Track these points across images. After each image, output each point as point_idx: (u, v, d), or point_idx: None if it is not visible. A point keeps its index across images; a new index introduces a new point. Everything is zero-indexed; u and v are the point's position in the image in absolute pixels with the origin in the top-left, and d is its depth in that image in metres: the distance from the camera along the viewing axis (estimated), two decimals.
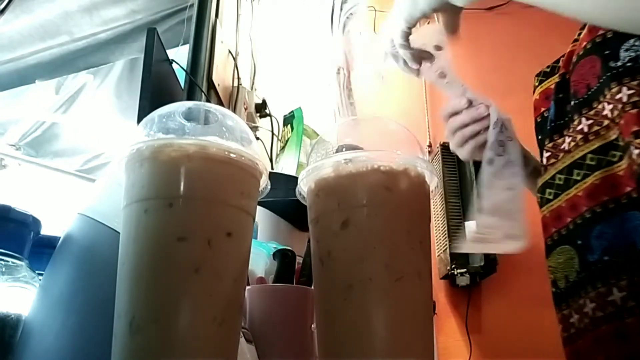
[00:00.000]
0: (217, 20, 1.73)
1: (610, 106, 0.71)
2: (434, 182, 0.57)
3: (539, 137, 0.86)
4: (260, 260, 0.88)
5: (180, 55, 1.55)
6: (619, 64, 0.71)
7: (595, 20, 0.69)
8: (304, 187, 0.58)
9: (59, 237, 0.67)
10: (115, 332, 0.46)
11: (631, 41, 0.70)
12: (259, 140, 1.84)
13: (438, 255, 2.31)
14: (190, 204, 0.48)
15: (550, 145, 0.81)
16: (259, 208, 0.62)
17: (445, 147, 2.37)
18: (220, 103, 1.70)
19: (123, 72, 2.39)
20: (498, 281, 2.25)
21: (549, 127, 0.82)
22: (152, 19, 2.03)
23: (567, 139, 0.78)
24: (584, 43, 0.77)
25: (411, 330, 0.51)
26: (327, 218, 0.54)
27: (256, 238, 1.03)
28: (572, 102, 0.78)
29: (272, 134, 1.95)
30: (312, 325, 0.73)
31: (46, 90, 2.42)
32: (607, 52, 0.72)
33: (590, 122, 0.74)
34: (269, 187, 0.54)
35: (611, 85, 0.71)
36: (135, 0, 2.00)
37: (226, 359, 0.48)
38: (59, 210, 1.55)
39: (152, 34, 1.22)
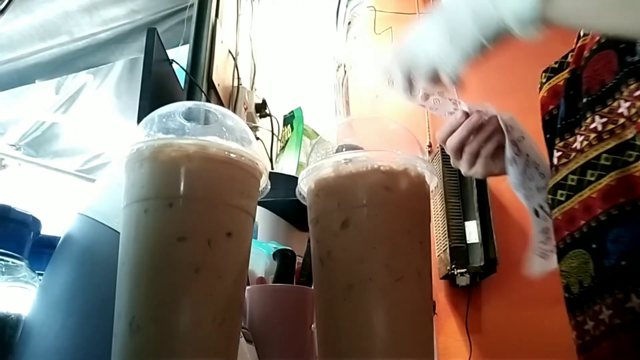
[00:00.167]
0: (217, 20, 1.73)
1: (627, 104, 0.68)
2: (434, 182, 0.57)
3: (547, 135, 0.82)
4: (260, 260, 0.88)
5: (180, 55, 1.55)
6: (637, 58, 0.67)
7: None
8: (304, 187, 0.58)
9: (59, 237, 0.66)
10: (115, 332, 0.46)
11: None
12: (259, 140, 1.85)
13: (438, 255, 2.31)
14: (190, 204, 0.48)
15: (561, 144, 0.76)
16: (259, 208, 0.62)
17: None
18: (220, 103, 1.71)
19: (123, 72, 2.39)
20: (498, 281, 2.24)
21: (559, 126, 0.78)
22: (152, 19, 2.03)
23: (579, 138, 0.73)
24: (598, 37, 0.73)
25: (411, 330, 0.51)
26: (327, 218, 0.54)
27: (256, 238, 1.03)
28: (585, 99, 0.74)
29: (272, 134, 1.95)
30: (312, 325, 0.73)
31: (46, 90, 2.42)
32: (622, 45, 0.69)
33: (604, 120, 0.71)
34: (269, 187, 0.54)
35: (629, 82, 0.68)
36: (135, 0, 2.00)
37: (226, 359, 0.48)
38: (59, 210, 1.55)
39: (152, 34, 1.22)
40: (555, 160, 0.77)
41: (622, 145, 0.68)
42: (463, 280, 2.21)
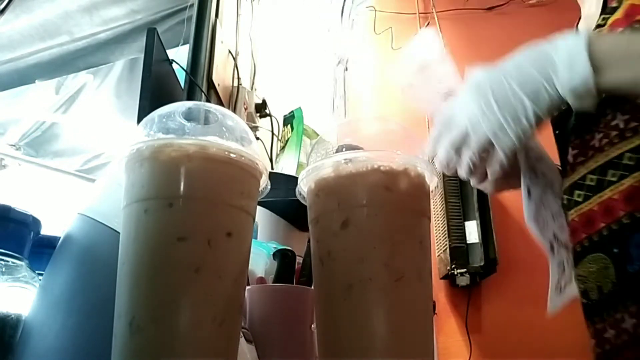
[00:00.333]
0: (217, 20, 1.73)
1: None
2: (434, 182, 0.57)
3: (557, 132, 0.79)
4: (260, 260, 0.88)
5: (180, 55, 1.55)
6: None
7: None
8: (304, 187, 0.58)
9: (59, 237, 0.66)
10: (115, 332, 0.46)
11: None
12: (259, 140, 1.85)
13: (438, 255, 2.31)
14: (190, 204, 0.48)
15: (577, 141, 0.72)
16: (259, 208, 0.62)
17: None
18: (220, 103, 1.71)
19: (123, 72, 2.40)
20: (498, 281, 2.24)
21: (574, 122, 0.73)
22: (152, 19, 2.03)
23: (598, 136, 0.69)
24: (619, 29, 0.69)
25: (411, 330, 0.51)
26: (327, 218, 0.54)
27: (256, 238, 1.03)
28: (603, 95, 0.69)
29: (272, 134, 1.95)
30: (312, 325, 0.73)
31: (46, 90, 2.43)
32: None
33: (626, 117, 0.67)
34: (269, 187, 0.55)
35: None
36: (135, 0, 2.00)
37: (226, 359, 0.48)
38: (59, 210, 1.55)
39: (152, 34, 1.22)
40: (570, 158, 0.73)
41: None
42: (463, 280, 2.21)
